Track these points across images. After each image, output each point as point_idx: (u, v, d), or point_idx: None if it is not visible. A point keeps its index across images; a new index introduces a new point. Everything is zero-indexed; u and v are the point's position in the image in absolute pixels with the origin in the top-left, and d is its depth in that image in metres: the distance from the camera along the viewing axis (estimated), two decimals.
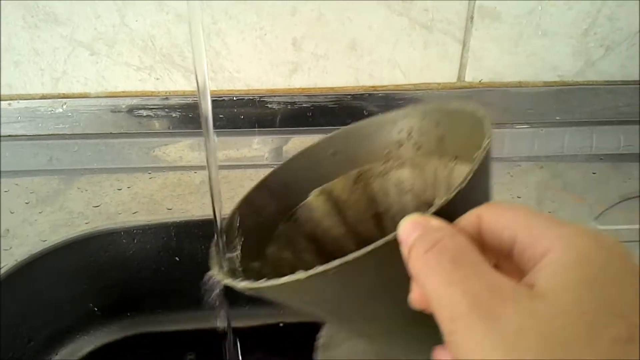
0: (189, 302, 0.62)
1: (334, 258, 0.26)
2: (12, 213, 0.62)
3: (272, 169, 0.47)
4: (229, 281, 0.33)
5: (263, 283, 0.28)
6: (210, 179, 0.36)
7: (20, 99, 0.69)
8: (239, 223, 0.42)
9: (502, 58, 0.68)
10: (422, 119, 0.45)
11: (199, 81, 0.34)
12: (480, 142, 0.32)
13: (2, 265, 0.55)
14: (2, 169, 0.69)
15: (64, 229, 0.60)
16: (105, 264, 0.60)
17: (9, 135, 0.70)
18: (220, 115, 0.70)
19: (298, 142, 0.71)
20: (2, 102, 0.69)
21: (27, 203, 0.64)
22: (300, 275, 0.26)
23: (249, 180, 0.66)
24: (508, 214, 0.25)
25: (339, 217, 0.47)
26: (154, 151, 0.70)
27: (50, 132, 0.70)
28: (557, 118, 0.71)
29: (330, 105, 0.70)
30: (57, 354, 0.61)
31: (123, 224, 0.60)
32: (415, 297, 0.26)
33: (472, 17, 0.65)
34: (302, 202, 0.47)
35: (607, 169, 0.68)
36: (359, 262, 0.26)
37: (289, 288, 0.28)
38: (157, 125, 0.70)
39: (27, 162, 0.70)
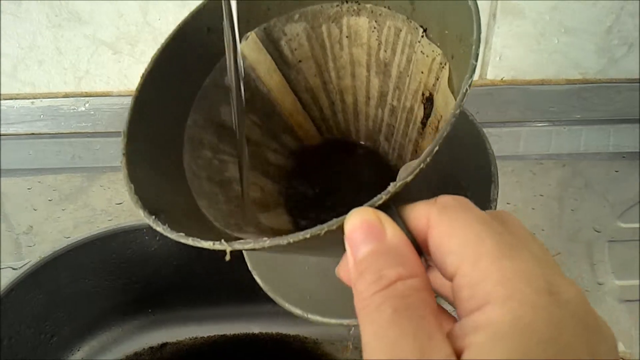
0: (210, 298, 0.62)
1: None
2: (36, 210, 0.63)
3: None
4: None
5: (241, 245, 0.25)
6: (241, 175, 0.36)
7: (43, 98, 0.70)
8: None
9: (524, 55, 0.67)
10: None
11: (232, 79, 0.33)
12: (461, 32, 0.29)
13: (26, 261, 0.56)
14: (25, 167, 0.69)
15: (87, 226, 0.60)
16: (127, 260, 0.61)
17: (32, 134, 0.71)
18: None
19: None
20: (25, 100, 0.70)
21: (50, 200, 0.64)
22: (281, 240, 0.24)
23: None
24: (459, 229, 0.21)
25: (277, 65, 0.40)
26: None
27: (73, 130, 0.71)
28: (579, 116, 0.70)
29: None
30: (79, 350, 0.62)
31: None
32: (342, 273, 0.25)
33: (494, 14, 0.64)
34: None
35: (629, 167, 0.68)
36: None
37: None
38: None
39: (50, 160, 0.70)
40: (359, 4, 0.38)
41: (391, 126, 0.41)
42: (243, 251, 0.40)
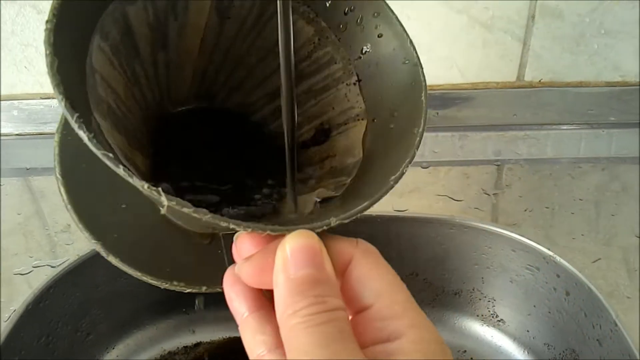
0: None
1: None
2: None
3: None
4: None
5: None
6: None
7: None
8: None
9: (562, 57, 0.66)
10: None
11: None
12: (396, 109, 0.32)
13: (64, 259, 0.56)
14: None
15: None
16: None
17: None
18: None
19: None
20: (49, 100, 0.70)
21: None
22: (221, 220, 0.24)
23: None
24: (377, 274, 0.26)
25: None
26: None
27: None
28: (618, 119, 0.69)
29: None
30: (114, 348, 0.62)
31: None
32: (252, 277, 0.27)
33: (533, 16, 0.63)
34: None
35: None
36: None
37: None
38: None
39: None
40: (317, 16, 0.38)
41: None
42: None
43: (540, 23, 0.64)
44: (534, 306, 0.59)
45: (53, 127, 0.71)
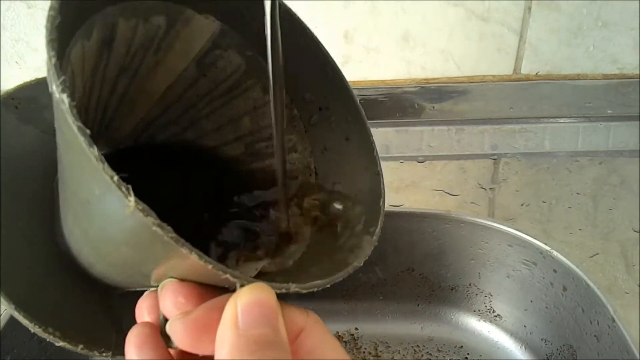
0: None
1: None
2: None
3: None
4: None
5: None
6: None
7: None
8: None
9: (560, 50, 0.66)
10: None
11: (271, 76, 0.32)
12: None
13: None
14: None
15: None
16: None
17: None
18: None
19: None
20: None
21: None
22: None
23: None
24: (329, 347, 0.26)
25: None
26: None
27: None
28: (616, 112, 0.69)
29: (380, 99, 0.69)
30: None
31: None
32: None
33: (529, 8, 0.63)
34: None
35: None
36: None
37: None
38: None
39: None
40: (292, 103, 0.39)
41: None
42: None
43: (537, 15, 0.63)
44: (531, 301, 0.59)
45: None
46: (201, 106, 0.38)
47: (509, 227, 0.57)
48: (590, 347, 0.51)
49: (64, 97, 0.20)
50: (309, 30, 0.38)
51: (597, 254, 0.54)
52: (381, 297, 0.64)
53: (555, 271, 0.55)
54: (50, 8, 0.23)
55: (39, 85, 0.36)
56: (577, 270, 0.53)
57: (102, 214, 0.23)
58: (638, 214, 0.59)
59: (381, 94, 0.69)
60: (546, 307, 0.57)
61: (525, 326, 0.60)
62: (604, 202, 0.61)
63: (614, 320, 0.48)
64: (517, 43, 0.65)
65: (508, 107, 0.69)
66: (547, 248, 0.55)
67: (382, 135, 0.70)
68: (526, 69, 0.67)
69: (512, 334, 0.61)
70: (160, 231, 0.21)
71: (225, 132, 0.39)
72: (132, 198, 0.20)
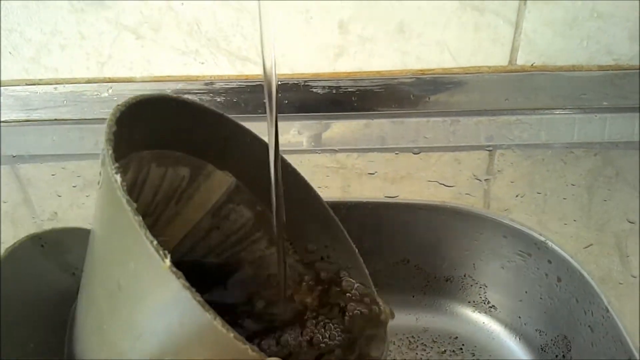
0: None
1: None
2: (60, 196, 0.62)
3: None
4: None
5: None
6: (272, 165, 0.35)
7: (66, 83, 0.69)
8: None
9: (555, 41, 0.66)
10: None
11: (267, 68, 0.33)
12: None
13: None
14: (49, 153, 0.69)
15: None
16: None
17: (55, 119, 0.71)
18: (264, 100, 0.69)
19: (341, 128, 0.70)
20: (48, 86, 0.69)
21: (74, 187, 0.64)
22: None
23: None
24: None
25: None
26: None
27: (96, 117, 0.71)
28: (611, 103, 0.69)
29: (376, 90, 0.69)
30: None
31: None
32: None
33: None
34: None
35: None
36: None
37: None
38: None
39: (74, 146, 0.70)
40: (295, 252, 0.45)
41: None
42: None
43: (533, 6, 0.63)
44: (526, 292, 0.59)
45: (39, 114, 0.70)
46: (211, 257, 0.43)
47: (503, 218, 0.57)
48: (584, 337, 0.51)
49: (117, 177, 0.26)
50: (312, 188, 0.44)
51: (592, 245, 0.54)
52: (376, 288, 0.64)
53: (549, 262, 0.55)
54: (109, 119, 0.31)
55: (65, 232, 0.43)
56: (572, 261, 0.53)
57: (131, 295, 0.26)
58: (632, 206, 0.59)
59: (377, 85, 0.69)
60: (541, 298, 0.57)
61: (519, 317, 0.60)
62: (598, 194, 0.61)
63: (608, 311, 0.48)
64: (512, 34, 0.65)
65: (503, 99, 0.69)
66: (542, 239, 0.55)
67: (378, 127, 0.70)
68: (522, 60, 0.67)
69: (507, 324, 0.61)
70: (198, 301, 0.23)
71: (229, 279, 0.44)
72: (167, 260, 0.23)
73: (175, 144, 0.39)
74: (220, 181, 0.41)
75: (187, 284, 0.23)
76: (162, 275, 0.23)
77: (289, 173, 0.40)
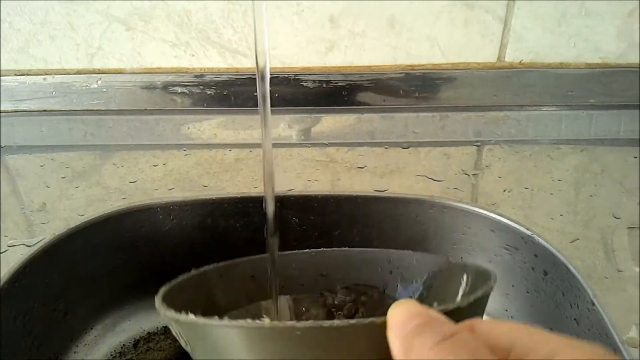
0: None
1: None
2: (49, 187, 0.62)
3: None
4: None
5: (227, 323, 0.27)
6: (264, 158, 0.36)
7: (56, 74, 0.69)
8: None
9: (544, 38, 0.66)
10: None
11: (259, 63, 0.33)
12: None
13: (40, 238, 0.55)
14: (38, 144, 0.69)
15: (101, 203, 0.59)
16: (141, 239, 0.60)
17: (44, 110, 0.71)
18: (255, 93, 0.69)
19: (331, 122, 0.70)
20: (37, 76, 0.69)
21: (63, 178, 0.64)
22: (266, 323, 0.25)
23: (279, 159, 0.65)
24: (503, 325, 0.26)
25: None
26: (188, 128, 0.70)
27: (85, 108, 0.70)
28: (598, 101, 0.69)
29: (366, 85, 0.69)
30: (92, 329, 0.62)
31: (160, 199, 0.60)
32: None
33: None
34: None
35: None
36: (330, 331, 0.25)
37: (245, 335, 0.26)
38: (191, 102, 0.70)
39: (63, 137, 0.70)
40: None
41: None
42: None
43: (522, 3, 0.64)
44: (513, 286, 0.59)
45: (28, 104, 0.70)
46: None
47: (491, 212, 0.58)
48: (570, 330, 0.52)
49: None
50: None
51: (578, 239, 0.55)
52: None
53: (536, 256, 0.55)
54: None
55: None
56: (558, 255, 0.53)
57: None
58: (618, 201, 0.59)
59: (367, 80, 0.69)
60: (527, 292, 0.58)
61: (506, 310, 0.61)
62: (585, 190, 0.61)
63: (593, 304, 0.48)
64: (501, 30, 0.66)
65: (492, 95, 0.69)
66: (529, 233, 0.55)
67: (367, 122, 0.70)
68: (510, 56, 0.68)
69: (494, 317, 0.62)
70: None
71: None
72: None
73: None
74: None
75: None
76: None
77: None
